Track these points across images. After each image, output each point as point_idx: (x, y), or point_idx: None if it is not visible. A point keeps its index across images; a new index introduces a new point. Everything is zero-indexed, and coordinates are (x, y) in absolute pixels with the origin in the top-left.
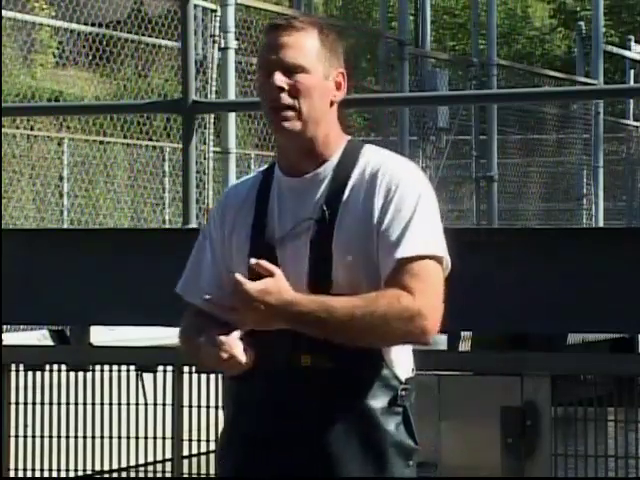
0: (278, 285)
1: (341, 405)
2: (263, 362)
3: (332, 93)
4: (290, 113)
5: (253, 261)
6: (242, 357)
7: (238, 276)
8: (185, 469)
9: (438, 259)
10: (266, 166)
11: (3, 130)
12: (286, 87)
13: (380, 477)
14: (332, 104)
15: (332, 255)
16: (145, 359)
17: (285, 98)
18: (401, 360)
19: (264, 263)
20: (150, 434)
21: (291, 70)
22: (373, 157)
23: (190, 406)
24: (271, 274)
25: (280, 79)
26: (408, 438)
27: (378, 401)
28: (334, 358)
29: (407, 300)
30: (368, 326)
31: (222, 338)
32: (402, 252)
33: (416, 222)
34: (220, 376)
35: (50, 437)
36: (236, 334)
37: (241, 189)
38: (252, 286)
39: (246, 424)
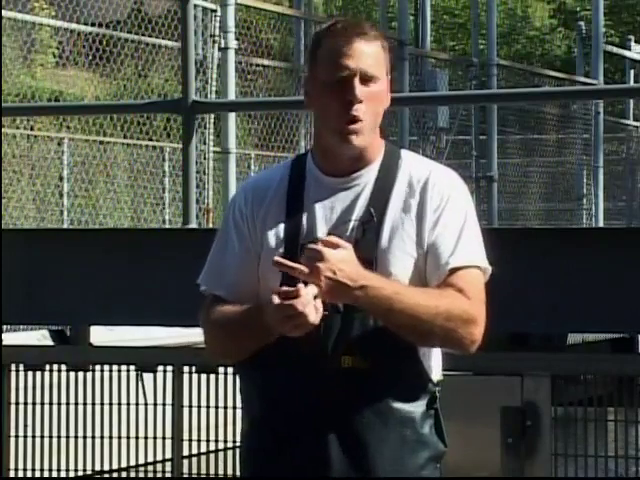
0: (352, 255)
1: (380, 408)
2: (301, 361)
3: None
4: (360, 125)
5: (324, 237)
6: (313, 315)
7: (313, 245)
8: (185, 469)
9: (483, 270)
10: (292, 159)
11: (3, 130)
12: (361, 97)
13: (385, 478)
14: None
15: (377, 258)
16: (145, 359)
17: (361, 109)
18: (435, 363)
19: (335, 239)
20: (150, 434)
21: (366, 79)
22: (415, 164)
23: (190, 406)
24: (344, 247)
25: (360, 89)
26: (439, 441)
27: (417, 405)
28: (374, 360)
29: (465, 303)
30: (430, 319)
31: (299, 290)
32: (455, 262)
33: (466, 233)
34: (221, 376)
35: (50, 437)
36: (312, 290)
37: (269, 182)
38: (328, 251)
39: (281, 423)
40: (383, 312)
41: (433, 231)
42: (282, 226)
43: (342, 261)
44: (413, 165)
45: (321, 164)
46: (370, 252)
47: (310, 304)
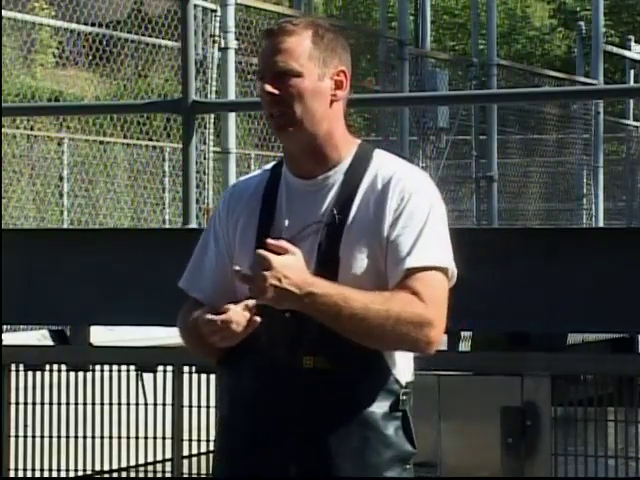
0: (299, 262)
1: (341, 408)
2: (264, 361)
3: (330, 93)
4: (282, 118)
5: (272, 242)
6: (240, 329)
7: (262, 250)
8: (185, 469)
9: (445, 271)
10: (273, 164)
11: (3, 130)
12: (277, 93)
13: (379, 477)
14: (332, 103)
15: (339, 259)
16: (145, 359)
17: (275, 104)
18: (402, 364)
19: (285, 244)
20: (150, 434)
21: (282, 75)
22: (384, 163)
23: (190, 406)
24: (292, 253)
25: (270, 86)
26: (407, 443)
27: (379, 405)
28: (336, 360)
29: (419, 306)
30: (380, 324)
31: (227, 307)
32: (412, 262)
33: (427, 233)
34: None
35: (50, 437)
36: (242, 304)
37: (248, 185)
38: (275, 257)
39: (244, 423)
40: (331, 318)
41: (392, 231)
42: (254, 228)
43: (288, 268)
44: (382, 165)
45: (289, 166)
46: (333, 254)
47: (238, 317)
